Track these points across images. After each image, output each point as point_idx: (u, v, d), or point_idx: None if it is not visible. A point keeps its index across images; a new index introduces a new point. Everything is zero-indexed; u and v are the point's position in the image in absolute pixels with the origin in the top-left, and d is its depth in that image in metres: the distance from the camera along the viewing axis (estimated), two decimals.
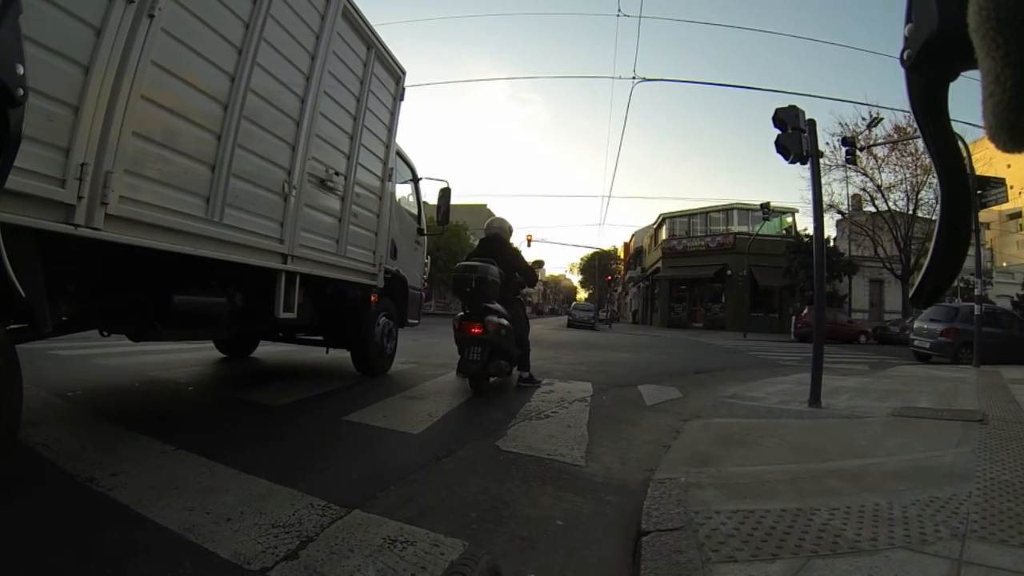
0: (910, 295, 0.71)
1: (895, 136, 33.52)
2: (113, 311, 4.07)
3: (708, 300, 47.04)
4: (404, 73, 7.24)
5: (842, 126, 34.07)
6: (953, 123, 0.62)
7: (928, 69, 0.56)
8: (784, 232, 43.54)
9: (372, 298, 6.99)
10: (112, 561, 2.21)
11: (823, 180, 8.32)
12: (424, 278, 9.43)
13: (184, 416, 4.72)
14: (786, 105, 7.14)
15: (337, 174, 5.76)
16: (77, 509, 2.66)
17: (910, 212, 35.23)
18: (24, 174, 2.52)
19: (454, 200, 9.34)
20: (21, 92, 0.99)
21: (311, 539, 2.49)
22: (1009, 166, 34.01)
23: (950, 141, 0.60)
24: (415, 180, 8.98)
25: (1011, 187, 20.96)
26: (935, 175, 0.64)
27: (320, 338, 7.11)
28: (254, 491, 3.01)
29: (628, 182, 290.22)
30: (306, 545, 2.43)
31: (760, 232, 38.75)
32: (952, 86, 0.59)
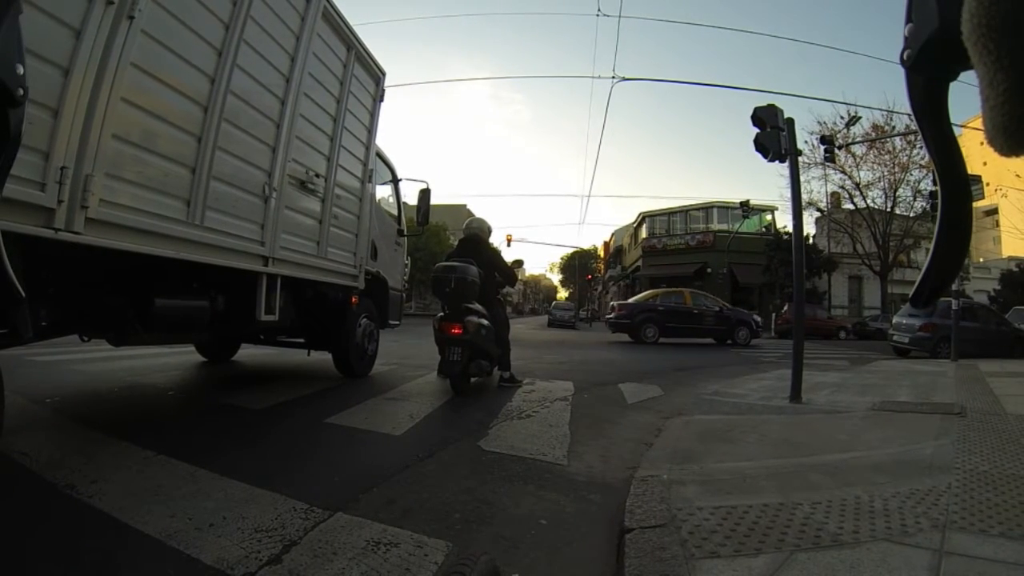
0: (910, 296, 0.71)
1: (873, 134, 33.87)
2: (94, 315, 4.03)
3: None
4: (384, 74, 7.23)
5: (821, 124, 34.51)
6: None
7: (928, 69, 0.57)
8: (763, 230, 43.84)
9: (352, 300, 6.97)
10: (94, 569, 2.19)
11: (802, 178, 8.42)
12: (404, 279, 9.42)
13: (165, 421, 4.68)
14: (765, 104, 7.19)
15: (317, 176, 5.74)
16: (58, 518, 2.63)
17: (888, 209, 35.62)
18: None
19: (434, 200, 9.34)
20: (21, 92, 0.99)
21: (294, 543, 2.48)
22: (985, 163, 34.47)
23: (949, 141, 0.61)
24: (395, 181, 8.97)
25: (987, 184, 21.26)
26: (934, 175, 0.64)
27: (301, 340, 7.09)
28: (236, 496, 2.99)
29: (608, 181, 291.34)
30: (289, 549, 2.42)
31: (740, 230, 38.99)
32: (951, 86, 0.59)
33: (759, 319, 21.33)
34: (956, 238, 0.63)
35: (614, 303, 21.65)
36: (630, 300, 21.45)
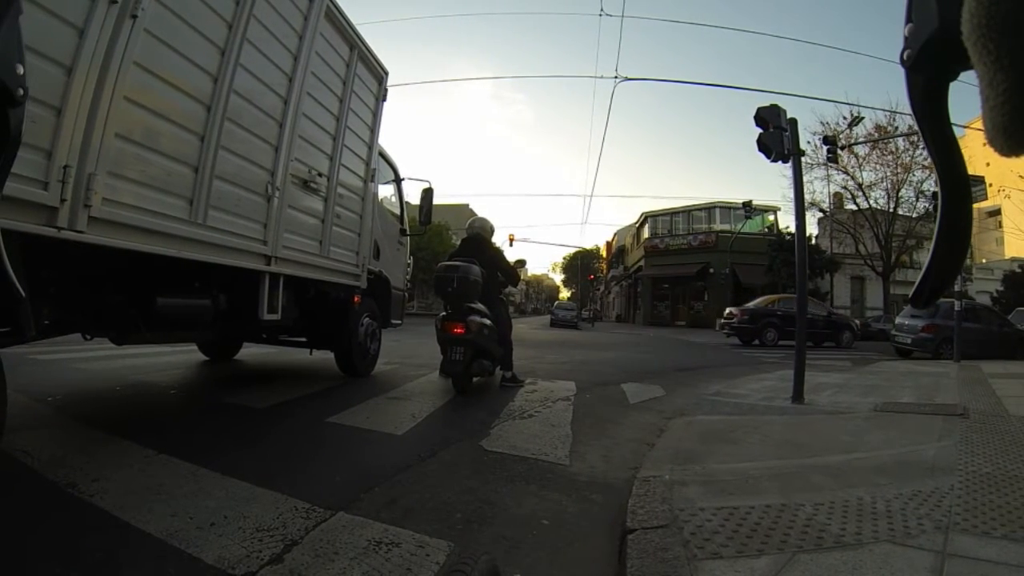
0: (910, 296, 0.71)
1: (875, 135, 33.79)
2: (96, 314, 4.03)
3: (691, 298, 47.18)
4: (386, 73, 7.22)
5: (823, 125, 34.33)
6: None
7: (928, 69, 0.57)
8: (766, 230, 43.77)
9: (355, 299, 6.97)
10: (95, 568, 2.19)
11: (805, 178, 8.38)
12: (407, 278, 9.42)
13: (167, 420, 4.68)
14: (768, 104, 7.19)
15: (320, 175, 5.74)
16: (59, 516, 2.64)
17: (890, 210, 35.53)
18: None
19: (436, 200, 9.30)
20: (21, 92, 0.99)
21: (296, 542, 2.48)
22: (988, 164, 34.35)
23: (949, 141, 0.60)
24: (397, 180, 8.98)
25: (990, 185, 21.22)
26: (934, 175, 0.64)
27: (304, 339, 7.07)
28: (238, 495, 3.00)
29: (610, 181, 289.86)
30: (291, 549, 2.42)
31: (742, 230, 39.02)
32: (951, 86, 0.59)
33: (858, 323, 21.85)
34: (956, 238, 0.63)
35: (732, 309, 22.39)
36: (749, 305, 22.20)
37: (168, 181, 3.71)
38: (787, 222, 43.85)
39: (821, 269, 36.80)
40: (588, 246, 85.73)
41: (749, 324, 20.89)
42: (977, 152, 23.51)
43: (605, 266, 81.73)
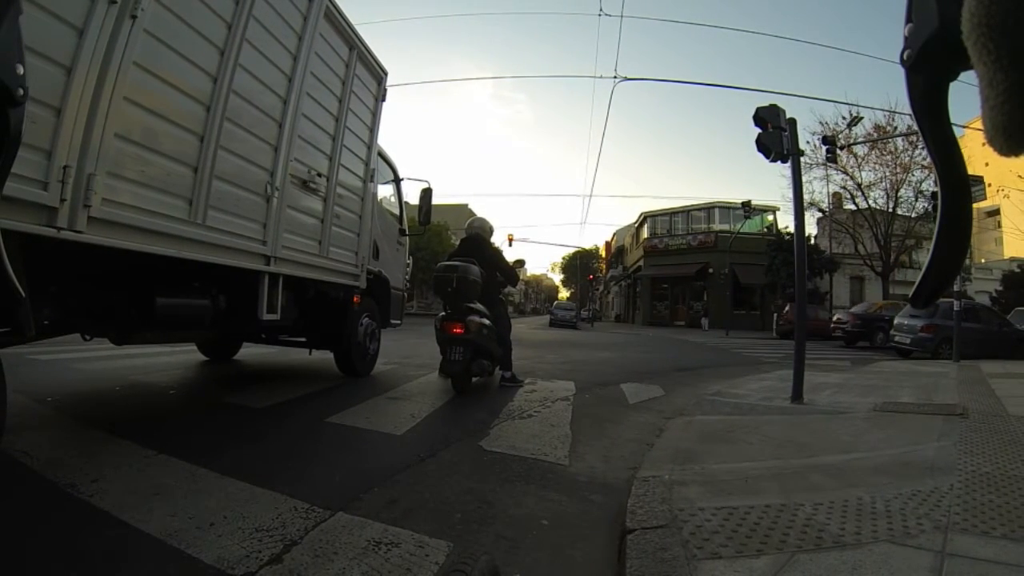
0: (910, 296, 0.71)
1: (875, 135, 33.75)
2: (95, 314, 4.03)
3: (690, 298, 47.13)
4: (386, 74, 7.22)
5: (823, 125, 34.22)
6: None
7: (928, 69, 0.57)
8: (765, 230, 43.74)
9: (354, 299, 6.97)
10: (95, 568, 2.19)
11: (804, 178, 8.41)
12: (406, 279, 9.42)
13: (166, 420, 4.67)
14: (767, 104, 7.19)
15: (319, 175, 5.74)
16: (58, 517, 2.63)
17: (890, 210, 35.47)
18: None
19: (436, 200, 9.31)
20: (21, 92, 0.99)
21: (295, 542, 2.48)
22: (987, 164, 34.41)
23: (949, 141, 0.60)
24: (397, 181, 8.97)
25: (989, 185, 21.26)
26: (934, 175, 0.64)
27: (303, 339, 7.08)
28: (237, 495, 3.00)
29: (610, 181, 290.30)
30: (290, 549, 2.42)
31: (741, 230, 38.92)
32: (951, 86, 0.59)
33: None
34: (956, 238, 0.63)
35: (841, 315, 24.66)
36: (857, 311, 24.01)
37: (168, 181, 3.71)
38: (786, 222, 43.94)
39: (820, 269, 36.75)
40: (587, 246, 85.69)
41: (861, 328, 22.36)
42: (976, 152, 23.57)
43: (604, 266, 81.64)
